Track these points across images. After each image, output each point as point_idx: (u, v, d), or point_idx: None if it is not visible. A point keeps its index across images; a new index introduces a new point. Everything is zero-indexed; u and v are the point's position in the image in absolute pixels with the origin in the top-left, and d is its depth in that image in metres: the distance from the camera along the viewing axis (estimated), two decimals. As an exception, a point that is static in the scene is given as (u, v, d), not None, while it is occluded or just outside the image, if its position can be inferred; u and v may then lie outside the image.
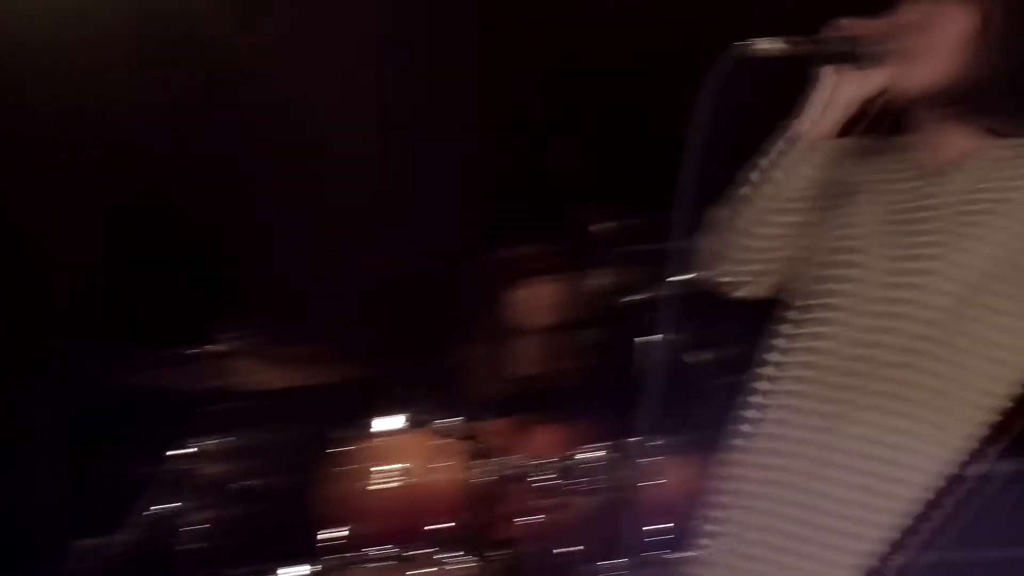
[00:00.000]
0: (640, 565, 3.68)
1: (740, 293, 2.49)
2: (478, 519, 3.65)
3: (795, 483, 2.30)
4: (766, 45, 2.29)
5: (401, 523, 3.59)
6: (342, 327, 4.74)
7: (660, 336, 4.24)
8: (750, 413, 2.44)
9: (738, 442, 2.45)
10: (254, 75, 5.04)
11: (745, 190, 2.41)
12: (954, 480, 2.08)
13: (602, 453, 3.75)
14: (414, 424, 3.75)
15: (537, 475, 3.73)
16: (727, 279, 2.47)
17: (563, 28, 5.02)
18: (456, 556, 3.58)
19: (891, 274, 2.29)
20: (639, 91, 5.05)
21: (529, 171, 4.70)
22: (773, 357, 2.42)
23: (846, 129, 2.39)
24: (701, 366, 4.31)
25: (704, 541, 2.42)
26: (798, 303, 2.41)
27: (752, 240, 2.40)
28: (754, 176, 2.40)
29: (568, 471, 3.74)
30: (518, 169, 5.02)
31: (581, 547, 3.67)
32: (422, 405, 4.27)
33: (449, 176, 5.21)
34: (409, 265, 5.06)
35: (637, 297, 4.22)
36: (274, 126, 5.09)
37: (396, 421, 3.75)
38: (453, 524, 3.60)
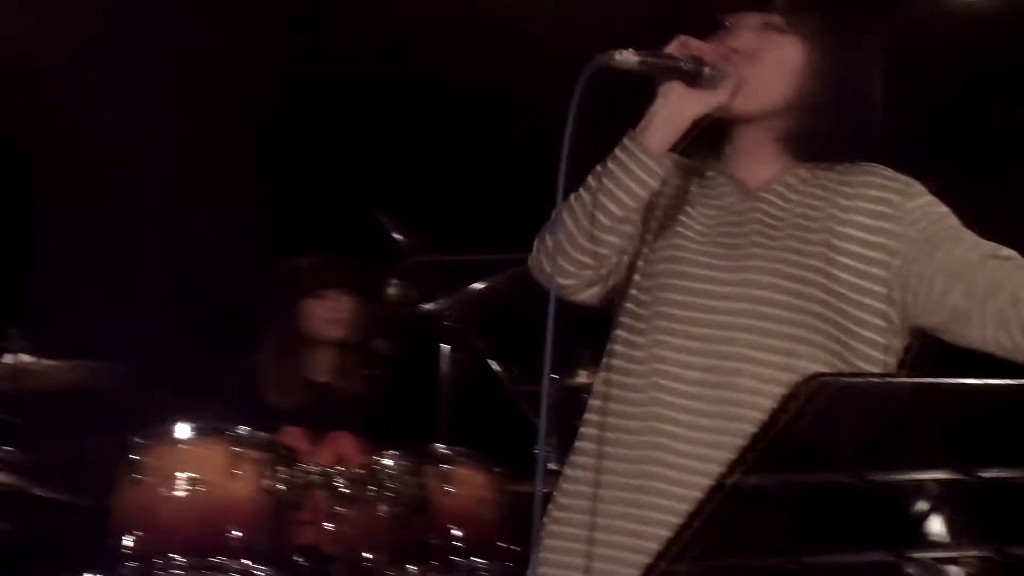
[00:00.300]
0: (438, 571, 3.75)
1: (574, 299, 2.52)
2: (277, 528, 3.65)
3: (633, 485, 2.38)
4: (624, 56, 2.33)
5: (199, 532, 3.56)
6: (134, 334, 4.70)
7: (455, 346, 4.36)
8: (590, 417, 2.50)
9: (579, 445, 2.51)
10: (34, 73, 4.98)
11: (581, 199, 2.45)
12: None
13: (400, 462, 3.79)
14: (211, 433, 3.72)
15: (336, 484, 3.75)
16: (569, 283, 2.48)
17: (375, 30, 5.06)
18: (255, 565, 3.57)
19: (718, 284, 2.39)
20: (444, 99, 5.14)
21: (327, 180, 4.72)
22: (612, 365, 2.49)
23: (675, 145, 2.49)
24: (498, 376, 4.41)
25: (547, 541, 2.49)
26: (631, 313, 2.48)
27: (586, 247, 2.44)
28: (590, 185, 2.44)
29: (366, 479, 3.76)
30: (315, 177, 5.04)
31: (380, 555, 3.71)
32: (218, 413, 4.28)
33: (243, 183, 5.21)
34: (202, 272, 5.04)
35: (434, 307, 4.30)
36: (58, 131, 5.03)
37: (192, 429, 3.71)
38: (252, 533, 3.59)
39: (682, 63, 2.38)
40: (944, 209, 2.40)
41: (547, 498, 2.50)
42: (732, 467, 1.47)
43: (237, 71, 5.12)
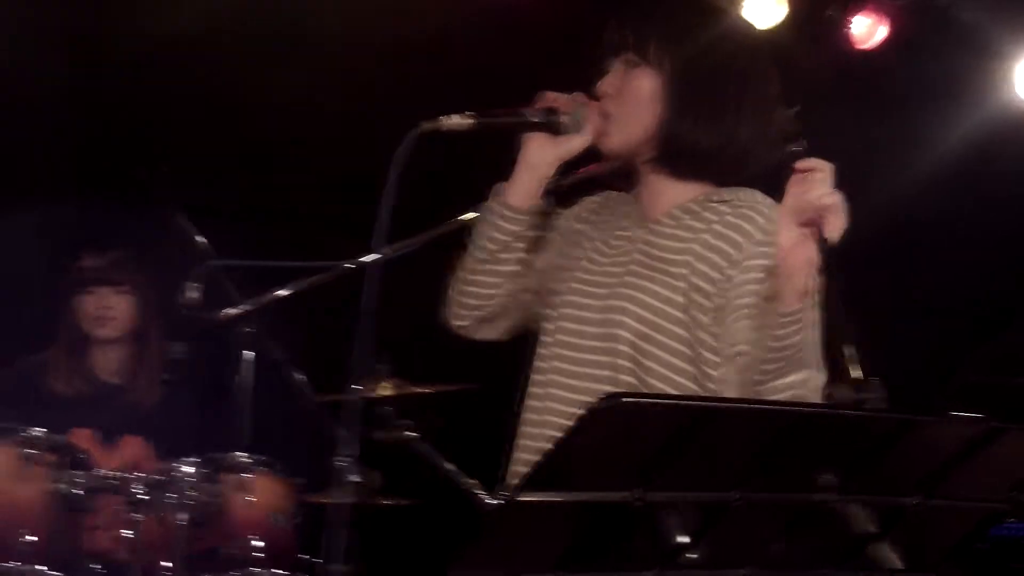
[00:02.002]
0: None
1: (474, 336, 2.84)
2: (69, 533, 3.69)
3: None
4: (456, 120, 2.59)
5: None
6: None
7: (253, 352, 4.42)
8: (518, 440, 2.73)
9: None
10: None
11: (468, 246, 2.75)
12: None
13: (197, 469, 3.85)
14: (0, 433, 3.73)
15: (132, 489, 3.79)
16: (458, 324, 2.81)
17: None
18: (48, 571, 3.60)
19: (598, 311, 2.64)
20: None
21: (127, 179, 4.73)
22: (531, 389, 2.74)
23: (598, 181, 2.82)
24: (298, 384, 4.49)
25: None
26: (542, 341, 2.74)
27: (470, 289, 2.75)
28: (472, 234, 2.75)
29: (163, 486, 3.82)
30: (115, 177, 5.05)
31: (175, 563, 3.75)
32: (0, 414, 4.29)
33: (42, 182, 5.20)
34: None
35: (232, 311, 4.35)
36: None
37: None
38: (44, 538, 3.62)
39: (528, 116, 2.67)
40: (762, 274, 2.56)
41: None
42: (523, 483, 1.62)
43: (30, 61, 5.11)
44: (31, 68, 5.03)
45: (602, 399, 1.58)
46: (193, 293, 4.22)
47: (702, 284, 2.57)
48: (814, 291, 2.32)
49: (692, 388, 2.55)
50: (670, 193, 2.72)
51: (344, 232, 4.75)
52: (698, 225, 2.65)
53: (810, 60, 4.78)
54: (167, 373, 4.55)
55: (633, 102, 2.67)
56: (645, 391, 2.53)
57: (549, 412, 2.66)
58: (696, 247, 2.61)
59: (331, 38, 5.04)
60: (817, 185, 2.30)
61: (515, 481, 2.68)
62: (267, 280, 4.35)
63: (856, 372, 2.06)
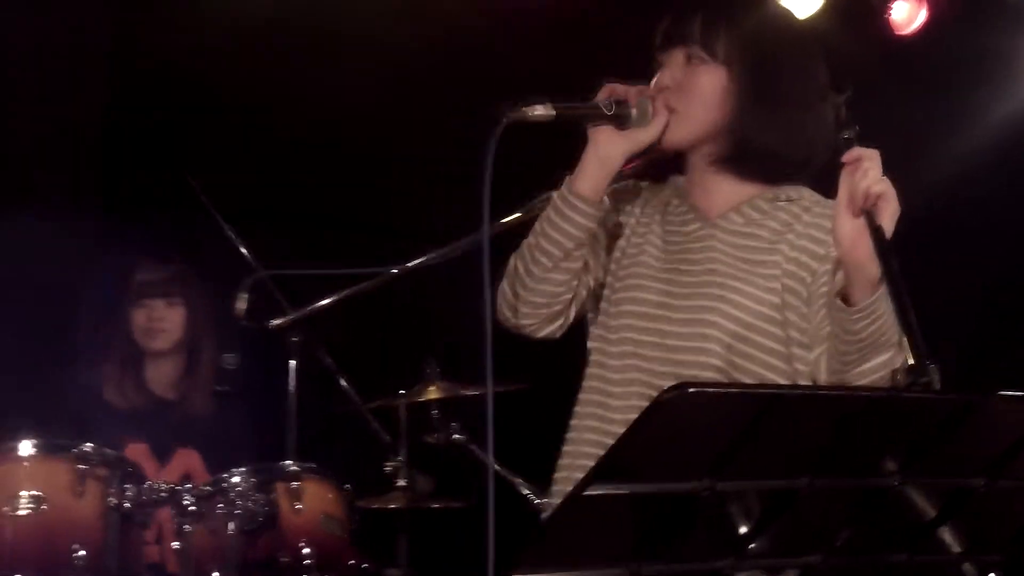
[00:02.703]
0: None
1: (538, 335, 2.80)
2: (123, 546, 3.72)
3: None
4: (539, 111, 2.58)
5: (43, 551, 3.59)
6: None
7: (303, 361, 4.46)
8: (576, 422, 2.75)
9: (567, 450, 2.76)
10: None
11: (530, 242, 2.73)
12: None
13: (247, 478, 3.88)
14: (54, 449, 3.76)
15: (183, 501, 3.83)
16: (524, 323, 2.77)
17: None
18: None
19: (681, 311, 2.64)
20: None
21: (174, 190, 4.77)
22: (595, 384, 2.74)
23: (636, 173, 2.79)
24: (346, 392, 4.52)
25: None
26: (601, 337, 2.74)
27: (541, 287, 2.72)
28: (535, 230, 2.72)
29: (214, 497, 3.85)
30: (161, 187, 5.09)
31: (229, 573, 3.78)
32: (56, 429, 4.33)
33: (74, 190, 5.25)
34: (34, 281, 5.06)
35: (281, 321, 4.39)
36: None
37: (35, 446, 3.75)
38: (97, 552, 3.66)
39: (603, 107, 2.66)
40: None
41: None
42: (591, 475, 1.64)
43: (74, 70, 5.16)
44: (74, 78, 5.07)
45: (668, 390, 1.60)
46: (242, 304, 4.27)
47: (793, 284, 2.60)
48: (882, 280, 2.31)
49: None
50: (728, 190, 2.73)
51: (388, 238, 4.81)
52: (776, 225, 2.67)
53: (851, 48, 4.78)
54: (219, 384, 4.60)
55: (699, 98, 2.68)
56: None
57: (630, 411, 2.63)
58: (784, 247, 2.63)
59: (371, 39, 5.07)
60: (867, 174, 2.30)
61: (564, 478, 2.73)
62: (314, 288, 4.40)
63: (912, 357, 2.07)
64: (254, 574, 3.84)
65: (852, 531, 1.92)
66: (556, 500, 2.75)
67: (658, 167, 2.83)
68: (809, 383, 2.54)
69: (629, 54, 2.80)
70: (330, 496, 4.04)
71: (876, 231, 2.28)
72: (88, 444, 3.77)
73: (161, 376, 4.68)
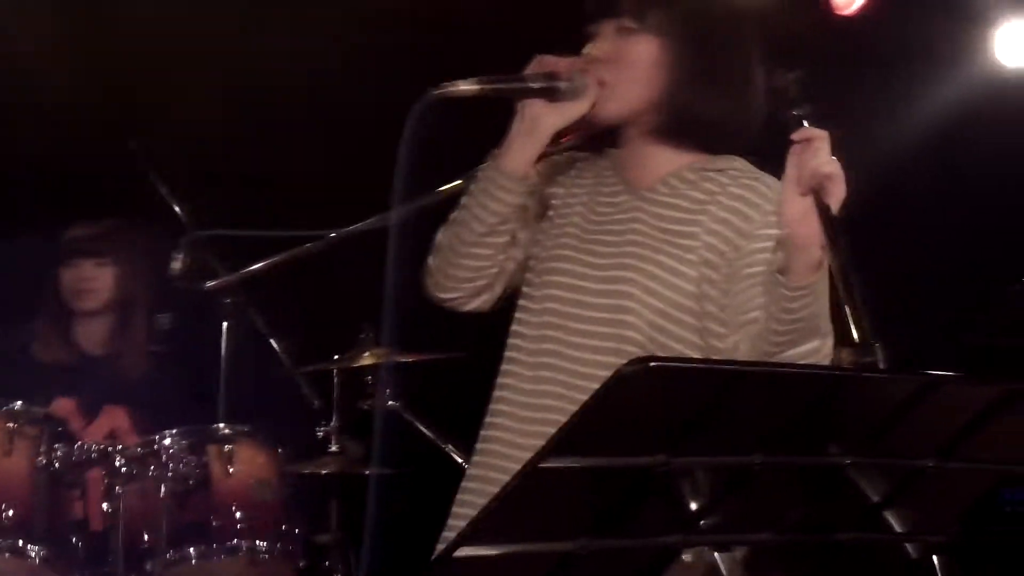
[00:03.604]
0: (218, 552, 3.81)
1: (464, 308, 2.75)
2: (52, 506, 3.67)
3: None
4: (464, 86, 2.53)
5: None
6: None
7: (236, 323, 4.42)
8: (496, 407, 2.68)
9: (483, 433, 2.70)
10: None
11: (455, 217, 2.67)
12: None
13: (180, 440, 3.84)
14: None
15: (115, 462, 3.78)
16: (449, 297, 2.72)
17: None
18: (29, 545, 3.59)
19: (600, 282, 2.59)
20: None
21: (109, 149, 4.70)
22: (508, 356, 2.69)
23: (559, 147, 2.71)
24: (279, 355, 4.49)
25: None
26: (523, 308, 2.69)
27: (464, 262, 2.66)
28: (462, 203, 2.66)
29: (146, 458, 3.80)
30: (97, 146, 5.02)
31: (159, 534, 3.76)
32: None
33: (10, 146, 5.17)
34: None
35: (216, 283, 4.34)
36: None
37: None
38: (26, 511, 3.61)
39: (531, 82, 2.58)
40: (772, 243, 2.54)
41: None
42: (546, 449, 1.62)
43: (18, 24, 5.08)
44: (18, 31, 4.98)
45: (630, 363, 1.57)
46: (177, 264, 4.22)
47: (713, 257, 2.55)
48: (824, 262, 2.30)
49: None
50: (661, 160, 2.67)
51: (328, 202, 4.75)
52: (700, 196, 2.61)
53: (792, 26, 4.77)
54: (153, 344, 4.54)
55: (632, 69, 2.62)
56: None
57: (546, 381, 2.60)
58: (705, 219, 2.58)
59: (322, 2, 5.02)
60: (816, 153, 2.27)
61: (487, 448, 2.66)
62: (250, 251, 4.35)
63: (859, 336, 2.06)
64: (185, 537, 3.80)
65: (802, 510, 1.91)
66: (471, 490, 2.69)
67: (595, 140, 2.76)
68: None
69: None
70: (262, 460, 4.01)
71: (824, 211, 2.26)
72: (17, 402, 3.73)
73: (91, 334, 4.60)
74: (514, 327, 2.72)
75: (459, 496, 2.70)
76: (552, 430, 2.44)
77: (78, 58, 5.14)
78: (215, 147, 5.17)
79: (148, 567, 3.75)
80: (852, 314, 2.09)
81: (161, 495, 3.79)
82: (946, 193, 5.23)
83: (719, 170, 2.64)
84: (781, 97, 2.40)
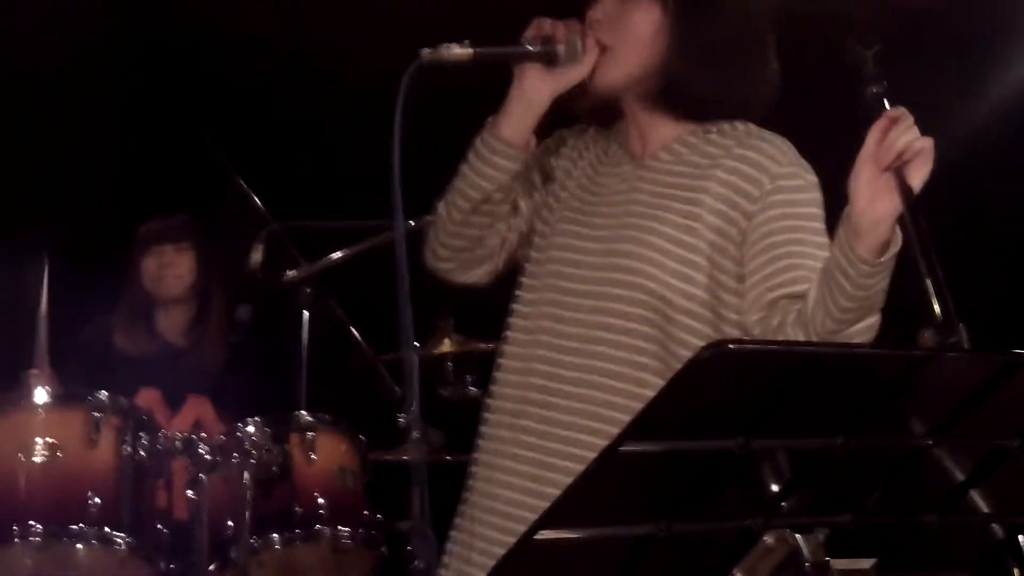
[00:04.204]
0: (302, 539, 3.82)
1: (459, 280, 2.72)
2: (138, 495, 3.70)
3: (528, 450, 2.55)
4: (456, 51, 2.47)
5: (58, 499, 3.57)
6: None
7: (316, 313, 4.44)
8: (491, 388, 2.68)
9: (484, 416, 2.70)
10: None
11: (453, 185, 2.62)
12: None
13: (262, 429, 3.85)
14: (69, 398, 3.74)
15: (198, 451, 3.80)
16: (444, 267, 2.69)
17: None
18: (115, 533, 3.61)
19: (601, 255, 2.54)
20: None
21: (187, 144, 4.74)
22: (507, 336, 2.66)
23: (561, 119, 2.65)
24: (360, 344, 4.50)
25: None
26: (526, 286, 2.65)
27: (460, 230, 2.62)
28: (459, 172, 2.61)
29: (229, 447, 3.82)
30: (174, 141, 5.06)
31: (243, 523, 3.76)
32: (68, 378, 4.31)
33: (89, 143, 5.21)
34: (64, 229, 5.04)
35: (295, 274, 4.36)
36: None
37: (50, 395, 3.72)
38: (112, 500, 3.63)
39: (528, 45, 2.52)
40: (805, 209, 2.50)
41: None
42: (625, 433, 1.60)
43: (81, 25, 5.12)
44: (94, 30, 5.03)
45: (707, 347, 1.55)
46: (257, 256, 4.25)
47: (723, 224, 2.48)
48: (899, 239, 2.25)
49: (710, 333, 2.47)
50: (663, 130, 2.60)
51: (405, 191, 4.75)
52: (702, 160, 2.54)
53: (864, 12, 4.72)
54: (233, 336, 4.57)
55: (633, 36, 2.55)
56: (664, 337, 2.47)
57: (538, 359, 2.56)
58: (711, 184, 2.51)
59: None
60: (908, 130, 2.21)
61: (488, 419, 2.66)
62: (329, 242, 4.37)
63: (942, 315, 2.03)
64: (268, 525, 3.82)
65: (883, 492, 1.88)
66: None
67: (601, 114, 2.69)
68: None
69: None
70: (344, 448, 4.02)
71: (905, 188, 2.20)
72: (103, 392, 3.75)
73: (173, 323, 4.66)
74: (514, 304, 2.67)
75: (470, 469, 2.69)
76: (537, 411, 2.45)
77: (151, 49, 5.18)
78: (291, 138, 5.20)
79: (232, 555, 3.77)
80: (935, 292, 2.05)
81: (244, 483, 3.80)
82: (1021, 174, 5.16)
83: (723, 132, 2.57)
84: (857, 73, 2.35)
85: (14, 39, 5.01)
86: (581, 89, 2.57)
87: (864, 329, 2.34)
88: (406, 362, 2.49)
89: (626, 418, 2.35)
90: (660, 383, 2.40)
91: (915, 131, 2.22)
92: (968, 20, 5.11)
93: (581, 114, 2.68)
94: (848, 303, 2.30)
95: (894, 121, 2.22)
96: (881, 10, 4.90)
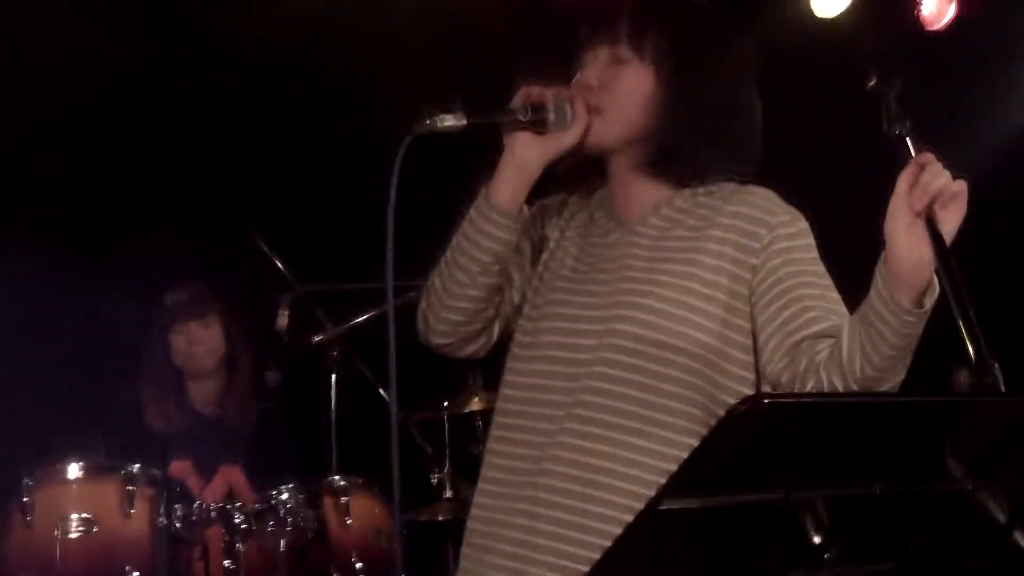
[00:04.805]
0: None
1: (459, 355, 2.66)
2: (174, 565, 3.70)
3: (520, 509, 2.50)
4: (449, 121, 2.44)
5: (95, 573, 3.60)
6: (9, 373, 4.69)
7: (343, 374, 4.44)
8: (487, 458, 2.62)
9: (481, 472, 2.63)
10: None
11: (447, 258, 2.57)
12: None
13: (296, 494, 3.86)
14: (102, 471, 3.75)
15: (233, 519, 3.81)
16: (443, 342, 2.63)
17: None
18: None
19: (597, 322, 2.50)
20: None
21: (212, 210, 4.77)
22: (501, 405, 2.62)
23: (555, 183, 2.62)
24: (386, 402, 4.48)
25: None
26: (515, 356, 2.60)
27: (458, 304, 2.56)
28: (452, 244, 2.55)
29: (264, 514, 3.83)
30: (199, 207, 5.08)
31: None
32: (105, 445, 4.32)
33: (106, 215, 5.24)
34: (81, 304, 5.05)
35: (323, 336, 4.37)
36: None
37: (82, 468, 3.73)
38: (149, 572, 3.63)
39: (518, 112, 2.49)
40: (806, 254, 2.48)
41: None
42: (665, 490, 1.60)
43: (106, 90, 5.15)
44: (107, 99, 5.05)
45: (741, 401, 1.55)
46: (283, 320, 4.26)
47: (726, 282, 2.46)
48: (936, 285, 2.22)
49: (707, 390, 2.44)
50: (651, 192, 2.57)
51: (427, 250, 4.77)
52: (695, 223, 2.52)
53: (880, 45, 4.73)
54: (261, 400, 4.58)
55: (625, 99, 2.52)
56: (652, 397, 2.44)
57: (521, 430, 2.53)
58: (708, 244, 2.48)
59: (403, 56, 5.04)
60: (939, 173, 2.17)
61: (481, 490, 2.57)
62: (353, 303, 4.37)
63: (976, 357, 2.02)
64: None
65: (924, 537, 1.87)
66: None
67: (584, 180, 2.65)
68: (748, 390, 2.43)
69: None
70: (378, 509, 4.03)
71: (935, 231, 2.18)
72: (135, 464, 3.76)
73: (204, 394, 4.66)
74: (506, 376, 2.61)
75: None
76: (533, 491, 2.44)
77: (176, 115, 5.21)
78: (312, 202, 5.22)
79: (271, 621, 3.77)
80: (968, 335, 2.03)
81: (281, 549, 3.82)
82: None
83: (710, 192, 2.55)
84: (879, 112, 2.32)
85: (47, 108, 5.04)
86: (571, 153, 2.55)
87: (899, 382, 2.30)
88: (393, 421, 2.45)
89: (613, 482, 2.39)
90: (642, 443, 2.41)
91: (947, 175, 2.19)
92: (985, 50, 5.13)
93: (565, 176, 2.63)
94: (890, 351, 2.25)
95: (922, 166, 2.19)
96: (900, 42, 4.93)
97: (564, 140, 2.50)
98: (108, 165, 5.20)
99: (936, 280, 2.21)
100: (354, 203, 5.26)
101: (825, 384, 2.30)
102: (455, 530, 4.48)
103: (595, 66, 2.56)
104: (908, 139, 2.25)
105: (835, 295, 2.44)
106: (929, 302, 2.22)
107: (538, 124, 2.49)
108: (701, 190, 2.56)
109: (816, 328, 2.39)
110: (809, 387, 2.32)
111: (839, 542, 1.78)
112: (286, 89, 5.27)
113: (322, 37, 5.10)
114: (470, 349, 2.64)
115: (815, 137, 5.03)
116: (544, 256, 2.65)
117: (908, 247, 2.19)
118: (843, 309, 2.43)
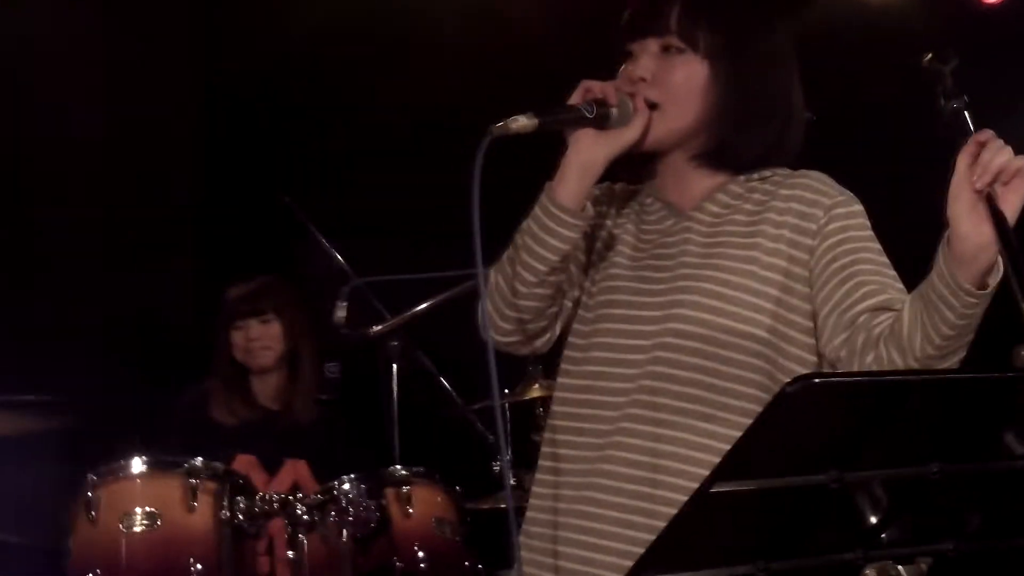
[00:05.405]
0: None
1: (523, 351, 2.65)
2: (238, 559, 3.72)
3: (583, 496, 2.52)
4: (522, 122, 2.44)
5: (160, 567, 3.61)
6: (74, 371, 4.74)
7: (405, 366, 4.45)
8: (545, 448, 2.63)
9: (539, 463, 2.64)
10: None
11: (512, 256, 2.55)
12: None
13: (358, 485, 3.86)
14: (166, 465, 3.77)
15: (295, 511, 3.82)
16: (509, 340, 2.61)
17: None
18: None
19: (657, 308, 2.50)
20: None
21: (268, 206, 4.78)
22: (560, 395, 2.62)
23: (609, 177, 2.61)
24: (450, 394, 4.50)
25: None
26: (573, 346, 2.61)
27: (525, 304, 2.55)
28: (516, 243, 2.54)
29: (326, 505, 3.84)
30: (256, 203, 5.10)
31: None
32: (169, 439, 4.36)
33: (169, 213, 5.27)
34: (145, 301, 5.09)
35: (382, 327, 4.38)
36: None
37: (146, 463, 3.76)
38: (213, 565, 3.65)
39: (584, 111, 2.48)
40: (861, 232, 2.48)
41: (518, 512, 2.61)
42: (717, 473, 1.59)
43: (164, 97, 5.19)
44: (165, 96, 5.09)
45: (793, 381, 1.53)
46: (342, 312, 4.27)
47: (787, 265, 2.46)
48: (999, 266, 2.19)
49: (771, 373, 2.44)
50: (704, 181, 2.58)
51: (485, 238, 4.78)
52: (752, 207, 2.53)
53: (936, 22, 4.69)
54: (322, 393, 4.59)
55: (682, 92, 2.52)
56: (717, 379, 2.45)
57: (582, 418, 2.54)
58: (767, 228, 2.49)
59: (459, 46, 5.05)
60: (1001, 150, 2.13)
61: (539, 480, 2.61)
62: (412, 293, 4.38)
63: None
64: (374, 579, 3.82)
65: (983, 516, 1.85)
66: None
67: (632, 170, 2.64)
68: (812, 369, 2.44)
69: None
70: (440, 499, 4.02)
71: (996, 209, 2.14)
72: (198, 458, 3.78)
73: (267, 389, 4.70)
74: (564, 366, 2.62)
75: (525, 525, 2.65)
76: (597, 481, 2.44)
77: (231, 109, 5.24)
78: (369, 194, 5.23)
79: (335, 613, 3.78)
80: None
81: (343, 540, 3.82)
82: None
83: (764, 178, 2.56)
84: (935, 89, 2.28)
85: (94, 103, 5.08)
86: (633, 149, 2.54)
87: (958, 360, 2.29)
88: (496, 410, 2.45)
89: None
90: (711, 427, 2.43)
91: (1008, 151, 2.15)
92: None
93: (618, 169, 2.61)
94: (950, 331, 2.23)
95: (982, 144, 2.16)
96: (955, 17, 4.87)
97: (626, 136, 2.50)
98: (170, 160, 5.25)
99: (1000, 260, 2.18)
100: (411, 195, 5.31)
101: (885, 358, 2.30)
102: (518, 518, 4.48)
103: (644, 57, 2.55)
104: (965, 114, 2.22)
105: (891, 272, 2.43)
106: (993, 282, 2.19)
107: (601, 120, 2.49)
108: (756, 176, 2.57)
109: (873, 301, 2.39)
110: (868, 361, 2.32)
111: (896, 523, 1.76)
112: (343, 84, 5.29)
113: (382, 32, 5.13)
114: (534, 345, 2.64)
115: (869, 119, 4.99)
116: (598, 246, 2.65)
117: (972, 227, 2.15)
118: (900, 285, 2.42)
